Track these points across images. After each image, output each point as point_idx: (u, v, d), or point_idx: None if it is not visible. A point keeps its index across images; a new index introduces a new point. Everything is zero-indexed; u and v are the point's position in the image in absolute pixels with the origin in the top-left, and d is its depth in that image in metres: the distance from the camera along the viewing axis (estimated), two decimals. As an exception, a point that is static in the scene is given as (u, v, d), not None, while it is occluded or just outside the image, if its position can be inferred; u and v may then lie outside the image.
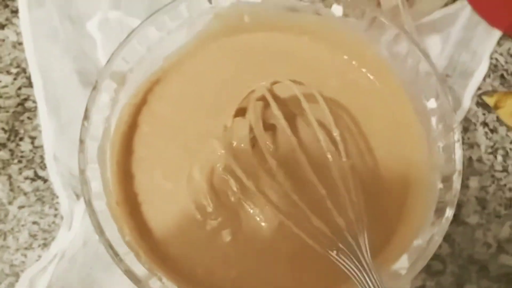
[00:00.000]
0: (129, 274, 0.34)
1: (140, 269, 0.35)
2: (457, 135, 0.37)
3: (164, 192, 0.39)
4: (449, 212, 0.36)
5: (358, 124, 0.40)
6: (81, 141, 0.36)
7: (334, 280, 0.37)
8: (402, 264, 0.36)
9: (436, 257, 0.45)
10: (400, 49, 0.40)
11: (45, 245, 0.45)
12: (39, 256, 0.44)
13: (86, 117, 0.36)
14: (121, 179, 0.38)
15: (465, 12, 0.51)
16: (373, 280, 0.32)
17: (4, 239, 0.45)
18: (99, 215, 0.35)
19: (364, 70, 0.43)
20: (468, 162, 0.47)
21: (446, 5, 0.51)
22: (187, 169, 0.39)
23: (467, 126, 0.48)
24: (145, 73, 0.40)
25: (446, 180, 0.37)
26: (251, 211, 0.39)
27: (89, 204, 0.35)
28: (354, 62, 0.42)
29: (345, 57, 0.42)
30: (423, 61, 0.38)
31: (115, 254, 0.34)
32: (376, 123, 0.40)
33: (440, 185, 0.37)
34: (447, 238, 0.46)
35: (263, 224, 0.39)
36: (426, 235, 0.35)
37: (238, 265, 0.37)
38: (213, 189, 0.39)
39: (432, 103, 0.38)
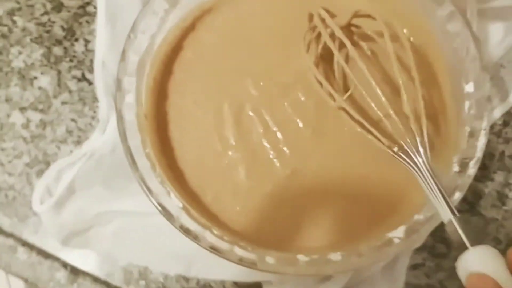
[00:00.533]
0: (142, 182, 0.36)
1: (153, 181, 0.37)
2: (485, 123, 0.36)
3: (191, 116, 0.41)
4: (458, 196, 0.36)
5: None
6: (124, 51, 0.38)
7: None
8: (398, 234, 0.36)
9: (442, 240, 0.45)
10: (452, 27, 0.39)
11: (78, 142, 0.48)
12: (71, 151, 0.48)
13: (133, 29, 0.38)
14: (154, 95, 0.40)
15: (538, 5, 0.49)
16: (428, 175, 0.34)
17: (44, 128, 0.48)
18: (126, 123, 0.37)
19: (412, 39, 0.42)
20: (500, 156, 0.47)
21: (519, -7, 0.49)
22: (218, 100, 0.40)
23: (508, 120, 0.47)
24: (196, 2, 0.41)
25: (463, 164, 0.37)
26: (270, 154, 0.40)
27: (119, 111, 0.37)
28: (405, 31, 0.41)
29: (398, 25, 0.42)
30: (471, 44, 0.37)
31: (132, 161, 0.36)
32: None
33: (457, 168, 0.37)
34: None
35: (277, 166, 0.40)
36: (429, 213, 0.36)
37: (244, 201, 0.39)
38: (238, 125, 0.40)
39: (470, 87, 0.38)
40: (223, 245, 0.36)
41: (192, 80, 0.41)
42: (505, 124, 0.47)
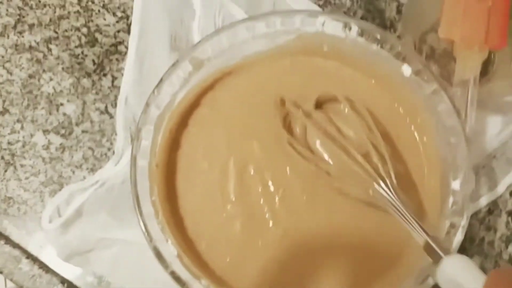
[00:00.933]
0: (144, 227, 0.40)
1: (154, 227, 0.41)
2: (464, 221, 0.39)
3: (198, 168, 0.44)
4: (429, 283, 0.39)
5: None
6: (147, 105, 0.42)
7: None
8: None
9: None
10: (448, 124, 0.42)
11: (92, 170, 0.52)
12: (84, 177, 0.51)
13: (158, 86, 0.42)
14: (168, 145, 0.44)
15: (538, 104, 0.52)
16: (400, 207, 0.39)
17: (62, 152, 0.52)
18: (138, 169, 0.41)
19: (412, 127, 0.46)
20: (479, 242, 0.50)
21: (522, 91, 0.52)
22: (225, 156, 0.44)
23: (493, 209, 0.50)
24: (219, 65, 0.45)
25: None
26: (266, 214, 0.44)
27: (133, 158, 0.41)
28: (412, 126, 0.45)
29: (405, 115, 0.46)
30: (464, 144, 0.41)
31: (138, 206, 0.40)
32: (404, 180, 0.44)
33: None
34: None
35: (271, 226, 0.43)
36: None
37: (235, 253, 0.43)
38: (240, 182, 0.44)
39: (456, 185, 0.41)
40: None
41: (203, 135, 0.45)
42: (490, 212, 0.50)
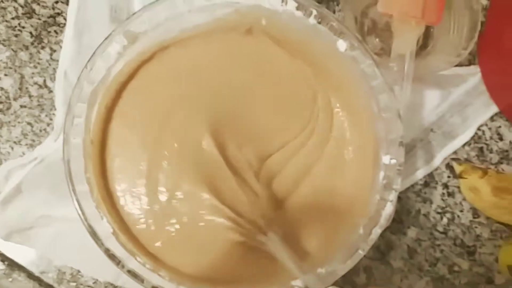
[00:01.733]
0: (78, 205, 0.40)
1: (89, 204, 0.41)
2: (392, 196, 0.41)
3: (130, 146, 0.44)
4: (358, 254, 0.40)
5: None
6: (79, 81, 0.41)
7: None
8: (299, 283, 0.41)
9: (350, 282, 0.50)
10: (381, 100, 0.43)
11: (31, 145, 0.51)
12: (23, 153, 0.51)
13: (90, 61, 0.41)
14: (102, 122, 0.43)
15: (474, 78, 0.53)
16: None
17: (0, 128, 0.51)
18: (71, 147, 0.40)
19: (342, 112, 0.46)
20: (415, 213, 0.51)
21: (459, 65, 0.53)
22: (156, 134, 0.44)
23: (429, 182, 0.52)
24: (156, 38, 0.44)
25: (368, 228, 0.41)
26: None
27: (67, 135, 0.40)
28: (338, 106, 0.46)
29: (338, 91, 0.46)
30: (397, 120, 0.42)
31: (71, 184, 0.40)
32: (333, 157, 0.45)
33: (361, 231, 0.41)
34: (368, 270, 0.51)
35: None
36: (330, 267, 0.40)
37: (167, 231, 0.43)
38: (168, 159, 0.44)
39: (386, 159, 0.42)
40: (142, 272, 0.40)
41: (137, 111, 0.44)
42: (426, 184, 0.52)
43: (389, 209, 0.41)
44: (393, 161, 0.42)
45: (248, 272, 0.43)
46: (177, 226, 0.43)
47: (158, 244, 0.43)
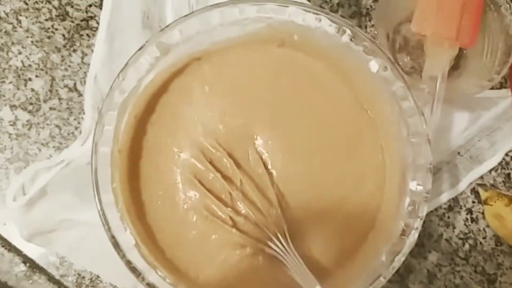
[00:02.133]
0: (103, 215, 0.40)
1: (113, 214, 0.41)
2: (417, 223, 0.40)
3: (162, 156, 0.44)
4: (380, 282, 0.40)
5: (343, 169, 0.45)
6: (111, 89, 0.41)
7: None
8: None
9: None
10: (411, 124, 0.43)
11: (58, 148, 0.51)
12: (50, 156, 0.51)
13: (123, 71, 0.41)
14: (132, 132, 0.43)
15: (505, 102, 0.52)
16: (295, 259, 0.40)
17: (29, 129, 0.51)
18: (99, 155, 0.41)
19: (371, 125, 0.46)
20: (437, 238, 0.51)
21: (491, 88, 0.52)
22: (188, 146, 0.44)
23: (453, 206, 0.51)
24: (187, 50, 0.44)
25: (391, 254, 0.41)
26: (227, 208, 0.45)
27: (95, 144, 0.41)
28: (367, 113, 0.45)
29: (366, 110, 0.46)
30: (426, 145, 0.41)
31: (97, 193, 0.40)
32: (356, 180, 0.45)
33: (384, 258, 0.41)
34: (386, 292, 0.50)
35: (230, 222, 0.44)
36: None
37: (194, 246, 0.44)
38: (202, 175, 0.45)
39: (413, 185, 0.42)
40: (163, 286, 0.40)
41: (170, 122, 0.45)
42: (450, 209, 0.51)
43: (413, 237, 0.40)
44: (420, 187, 0.41)
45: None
46: (202, 240, 0.43)
47: (180, 257, 0.43)
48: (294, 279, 0.41)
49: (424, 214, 0.41)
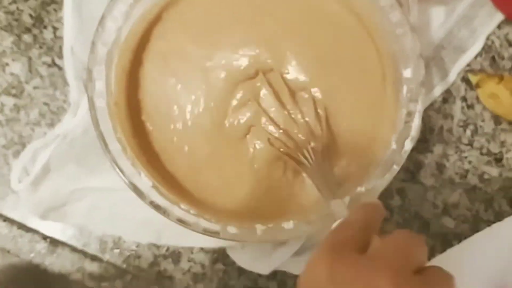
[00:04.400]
0: (115, 164, 0.40)
1: (124, 162, 0.41)
2: (419, 106, 0.41)
3: (158, 103, 0.44)
4: (394, 169, 0.41)
5: (341, 77, 0.45)
6: (93, 43, 0.41)
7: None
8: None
9: (386, 206, 0.51)
10: (392, 17, 0.43)
11: (51, 124, 0.51)
12: (45, 133, 0.51)
13: (101, 23, 0.41)
14: (123, 84, 0.43)
15: (476, -10, 0.53)
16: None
17: (17, 112, 0.51)
18: (98, 110, 0.41)
19: (362, 28, 0.46)
20: (439, 130, 0.52)
21: (459, -20, 0.53)
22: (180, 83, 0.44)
23: (447, 97, 0.52)
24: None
25: (400, 142, 0.42)
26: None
27: (91, 100, 0.41)
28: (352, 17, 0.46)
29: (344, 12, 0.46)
30: (410, 33, 0.42)
31: (105, 145, 0.40)
32: (357, 78, 0.45)
33: (394, 146, 0.42)
34: (401, 192, 0.51)
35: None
36: (369, 185, 0.41)
37: (212, 172, 0.45)
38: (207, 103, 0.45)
39: (407, 73, 0.42)
40: (189, 218, 0.40)
41: (160, 69, 0.45)
42: (444, 101, 0.52)
43: (417, 120, 0.41)
44: (413, 73, 0.42)
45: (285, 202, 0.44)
46: (217, 164, 0.43)
47: (197, 185, 0.43)
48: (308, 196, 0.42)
49: (424, 100, 0.41)
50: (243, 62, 0.45)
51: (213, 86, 0.45)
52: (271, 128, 0.44)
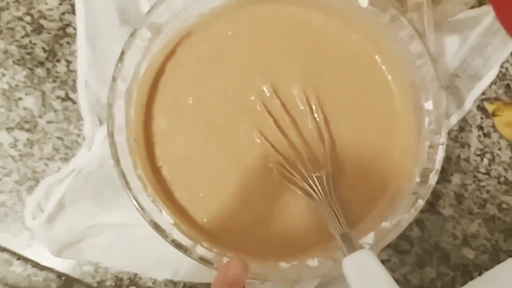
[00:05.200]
0: (136, 202, 0.40)
1: (145, 200, 0.40)
2: (443, 139, 0.41)
3: (175, 136, 0.44)
4: (420, 204, 0.40)
5: (358, 106, 0.45)
6: (113, 79, 0.41)
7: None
8: (368, 240, 0.41)
9: (405, 238, 0.50)
10: (412, 48, 0.43)
11: (65, 159, 0.50)
12: (59, 168, 0.50)
13: (120, 59, 0.41)
14: (141, 119, 0.43)
15: (488, 18, 0.53)
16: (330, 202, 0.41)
17: (31, 147, 0.50)
18: (118, 147, 0.40)
19: (377, 57, 0.46)
20: (456, 159, 0.52)
21: (471, 7, 0.53)
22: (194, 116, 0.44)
23: (463, 126, 0.52)
24: (178, 27, 0.44)
25: (424, 175, 0.41)
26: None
27: (111, 136, 0.40)
28: (369, 47, 0.46)
29: (363, 42, 0.46)
30: (430, 65, 0.42)
31: (126, 183, 0.40)
32: (377, 112, 0.45)
33: (418, 179, 0.41)
34: (420, 223, 0.51)
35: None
36: (395, 219, 0.40)
37: (232, 212, 0.44)
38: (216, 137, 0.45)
39: (429, 105, 0.42)
40: (211, 256, 0.39)
41: (175, 102, 0.44)
42: (461, 129, 0.52)
43: (441, 153, 0.41)
44: (435, 105, 0.42)
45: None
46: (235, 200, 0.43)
47: (219, 226, 0.42)
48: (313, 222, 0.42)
49: (445, 129, 0.41)
50: (244, 93, 0.45)
51: (218, 119, 0.45)
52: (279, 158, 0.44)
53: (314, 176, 0.42)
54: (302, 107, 0.45)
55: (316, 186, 0.41)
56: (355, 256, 0.37)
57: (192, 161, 0.44)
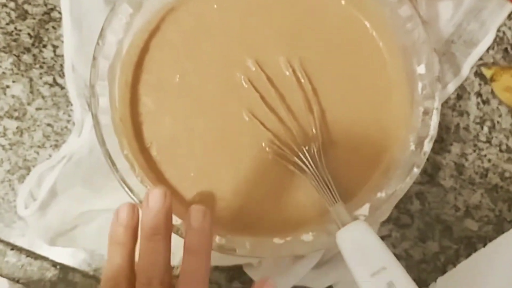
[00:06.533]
0: (123, 182, 0.39)
1: (133, 180, 0.39)
2: (437, 103, 0.39)
3: (163, 115, 0.43)
4: (415, 172, 0.39)
5: (349, 75, 0.43)
6: (94, 58, 0.40)
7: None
8: (364, 211, 0.40)
9: (406, 211, 0.49)
10: (402, 12, 0.42)
11: (56, 146, 0.50)
12: (50, 155, 0.49)
13: (101, 36, 0.40)
14: (126, 98, 0.42)
15: (484, -19, 0.51)
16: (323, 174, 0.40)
17: (21, 135, 0.50)
18: (103, 128, 0.39)
19: (367, 24, 0.45)
20: (455, 129, 0.50)
21: (465, -29, 0.51)
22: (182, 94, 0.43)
23: (461, 94, 0.50)
24: (161, 2, 0.43)
25: (419, 142, 0.40)
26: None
27: (95, 116, 0.39)
28: (358, 13, 0.44)
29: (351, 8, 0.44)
30: (421, 28, 0.40)
31: (112, 164, 0.39)
32: (368, 77, 0.44)
33: (413, 146, 0.40)
34: (420, 196, 0.49)
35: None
36: (390, 190, 0.39)
37: (222, 188, 0.43)
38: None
39: (421, 69, 0.41)
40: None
41: (161, 80, 0.43)
42: (459, 97, 0.50)
43: (435, 118, 0.40)
44: (428, 68, 0.40)
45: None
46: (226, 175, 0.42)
47: (212, 205, 0.42)
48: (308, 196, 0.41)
49: (439, 93, 0.40)
50: (230, 69, 0.44)
51: (206, 97, 0.44)
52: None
53: (304, 149, 0.40)
54: (290, 80, 0.43)
55: (307, 159, 0.40)
56: (348, 228, 0.36)
57: (181, 140, 0.43)
